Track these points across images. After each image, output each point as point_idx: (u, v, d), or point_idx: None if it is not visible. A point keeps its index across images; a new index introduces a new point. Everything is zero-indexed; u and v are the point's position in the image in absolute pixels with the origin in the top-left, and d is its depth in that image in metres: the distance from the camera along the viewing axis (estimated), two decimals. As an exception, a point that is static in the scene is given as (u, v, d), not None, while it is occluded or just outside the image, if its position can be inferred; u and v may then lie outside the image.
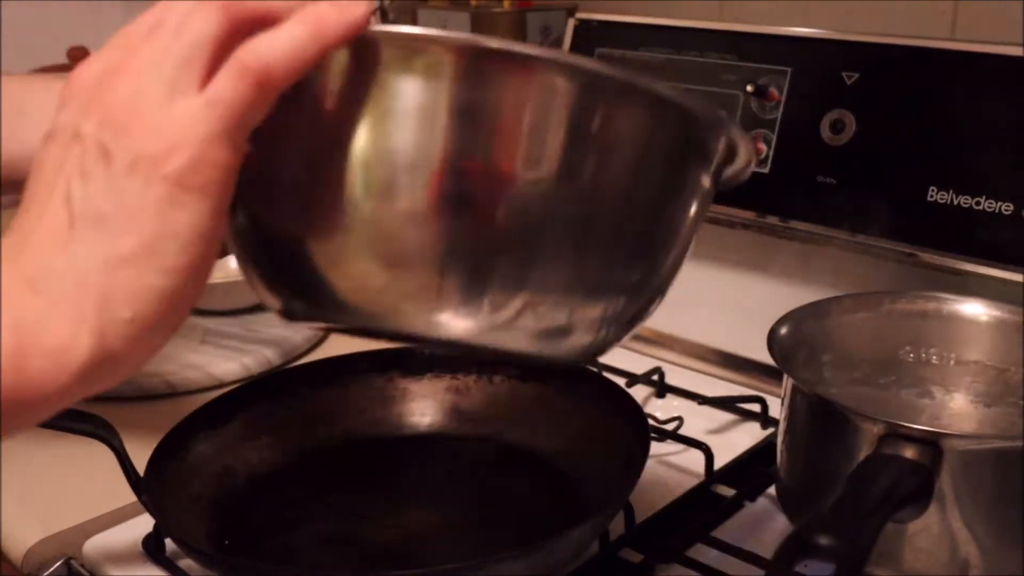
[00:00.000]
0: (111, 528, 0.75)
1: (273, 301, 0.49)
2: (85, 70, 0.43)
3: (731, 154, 0.51)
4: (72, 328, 0.40)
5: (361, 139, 0.43)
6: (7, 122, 0.64)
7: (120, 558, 0.72)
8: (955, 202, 0.77)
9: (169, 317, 0.41)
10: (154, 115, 0.40)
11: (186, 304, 0.42)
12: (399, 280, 0.45)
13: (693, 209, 0.50)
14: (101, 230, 0.40)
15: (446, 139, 0.43)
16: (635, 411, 0.74)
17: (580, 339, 0.49)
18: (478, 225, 0.44)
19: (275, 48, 0.41)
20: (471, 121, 0.43)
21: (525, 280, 0.45)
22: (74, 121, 0.42)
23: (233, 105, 0.40)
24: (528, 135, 0.43)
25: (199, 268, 0.41)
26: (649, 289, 0.51)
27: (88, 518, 0.76)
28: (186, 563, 0.69)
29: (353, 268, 0.45)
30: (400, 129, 0.43)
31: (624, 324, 0.51)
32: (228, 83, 0.40)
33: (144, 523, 0.73)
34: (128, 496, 0.74)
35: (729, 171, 0.52)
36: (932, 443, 0.59)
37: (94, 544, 0.73)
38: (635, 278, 0.49)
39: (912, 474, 0.58)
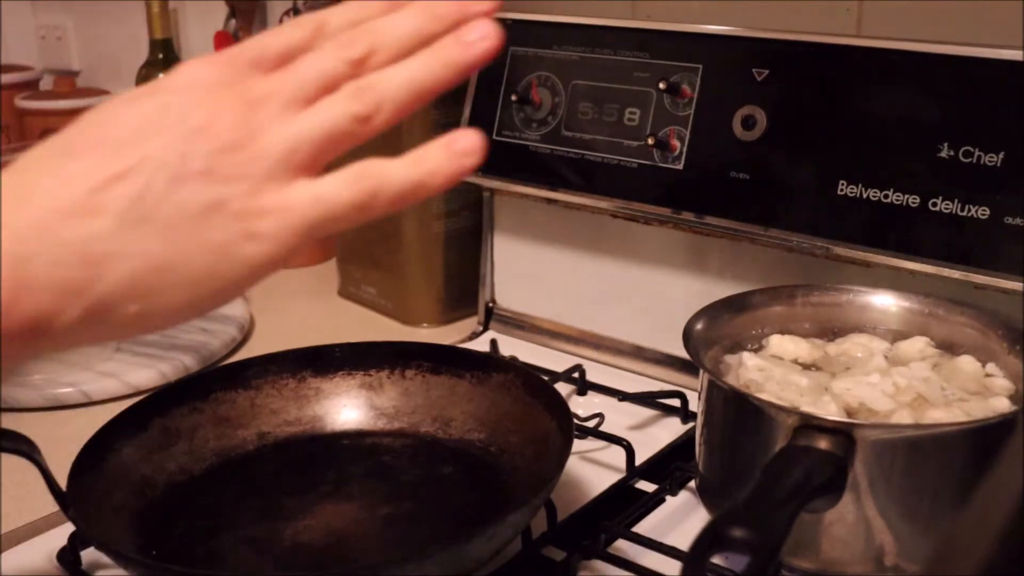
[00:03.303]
0: (23, 543, 0.73)
1: None
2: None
3: None
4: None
5: None
6: None
7: (35, 573, 0.70)
8: (864, 195, 0.78)
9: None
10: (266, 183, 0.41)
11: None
12: None
13: None
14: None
15: None
16: (559, 405, 0.74)
17: None
18: None
19: (394, 173, 0.42)
20: None
21: None
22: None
23: (335, 209, 0.42)
24: None
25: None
26: None
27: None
28: (102, 574, 0.68)
29: None
30: None
31: None
32: (343, 189, 0.42)
33: (57, 536, 0.72)
34: (38, 511, 0.73)
35: None
36: (845, 433, 0.60)
37: (7, 560, 0.72)
38: None
39: (825, 464, 0.59)
